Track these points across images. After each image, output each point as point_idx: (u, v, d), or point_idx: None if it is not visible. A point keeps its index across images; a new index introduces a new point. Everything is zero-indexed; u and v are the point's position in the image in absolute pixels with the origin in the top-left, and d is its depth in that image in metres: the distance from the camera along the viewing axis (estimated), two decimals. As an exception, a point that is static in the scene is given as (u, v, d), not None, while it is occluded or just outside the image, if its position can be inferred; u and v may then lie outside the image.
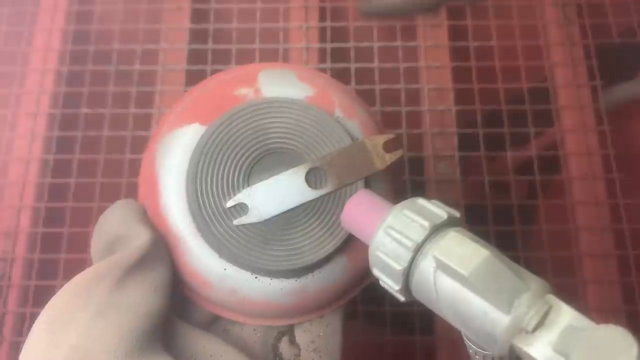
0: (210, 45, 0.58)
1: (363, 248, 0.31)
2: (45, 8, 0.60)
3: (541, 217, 0.54)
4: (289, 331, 0.32)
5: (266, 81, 0.32)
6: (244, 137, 0.29)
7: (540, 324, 0.20)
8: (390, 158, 0.30)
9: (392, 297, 0.49)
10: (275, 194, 0.29)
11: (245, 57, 0.58)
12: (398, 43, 0.58)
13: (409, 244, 0.23)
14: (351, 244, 0.30)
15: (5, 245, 0.52)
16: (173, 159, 0.30)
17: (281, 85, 0.31)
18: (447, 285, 0.22)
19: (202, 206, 0.28)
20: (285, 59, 0.58)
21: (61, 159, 0.55)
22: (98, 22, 0.61)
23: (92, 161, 0.54)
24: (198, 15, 0.61)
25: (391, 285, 0.24)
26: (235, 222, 0.28)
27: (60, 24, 0.59)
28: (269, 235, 0.29)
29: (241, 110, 0.30)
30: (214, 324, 0.31)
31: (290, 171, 0.29)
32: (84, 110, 0.56)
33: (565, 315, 0.21)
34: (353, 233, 0.27)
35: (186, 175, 0.29)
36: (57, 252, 0.52)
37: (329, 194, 0.29)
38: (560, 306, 0.21)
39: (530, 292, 0.21)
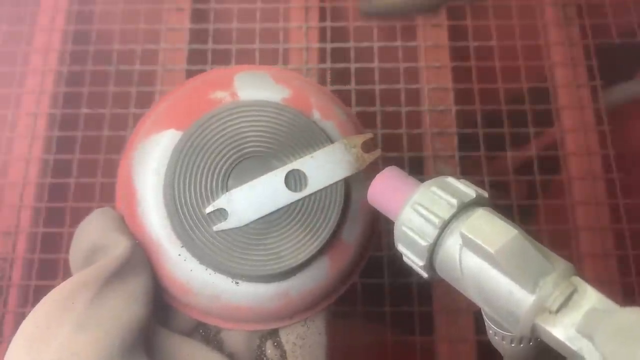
0: (210, 45, 0.58)
1: (345, 249, 0.31)
2: (45, 8, 0.60)
3: (541, 217, 0.54)
4: (273, 334, 0.32)
5: (242, 84, 0.31)
6: (221, 142, 0.29)
7: (564, 305, 0.20)
8: (368, 158, 0.30)
9: (392, 297, 0.50)
10: (254, 198, 0.28)
11: (245, 57, 0.58)
12: (398, 43, 0.58)
13: (436, 220, 0.23)
14: (333, 246, 0.30)
15: (5, 245, 0.52)
16: (150, 165, 0.29)
17: (257, 88, 0.31)
18: (473, 263, 0.22)
19: (181, 213, 0.28)
20: (285, 59, 0.58)
21: (61, 159, 0.55)
22: (98, 22, 0.61)
23: (92, 161, 0.54)
24: (198, 15, 0.61)
25: (415, 261, 0.24)
26: (215, 228, 0.28)
27: (61, 24, 0.59)
28: (249, 240, 0.28)
29: (217, 115, 0.29)
30: (197, 330, 0.31)
31: (268, 175, 0.29)
32: (84, 110, 0.56)
33: (590, 297, 0.21)
34: (379, 209, 0.27)
35: (163, 182, 0.29)
36: (57, 252, 0.52)
37: (309, 196, 0.29)
38: (585, 288, 0.21)
39: (555, 272, 0.21)
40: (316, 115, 0.31)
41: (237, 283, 0.29)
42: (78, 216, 0.53)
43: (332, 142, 0.30)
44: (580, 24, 0.60)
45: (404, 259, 0.25)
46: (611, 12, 0.59)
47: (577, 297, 0.21)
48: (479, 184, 0.56)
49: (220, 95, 0.31)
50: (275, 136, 0.30)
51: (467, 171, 0.55)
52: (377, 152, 0.30)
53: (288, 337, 0.31)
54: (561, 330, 0.20)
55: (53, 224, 0.53)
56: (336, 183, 0.29)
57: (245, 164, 0.29)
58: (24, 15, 0.60)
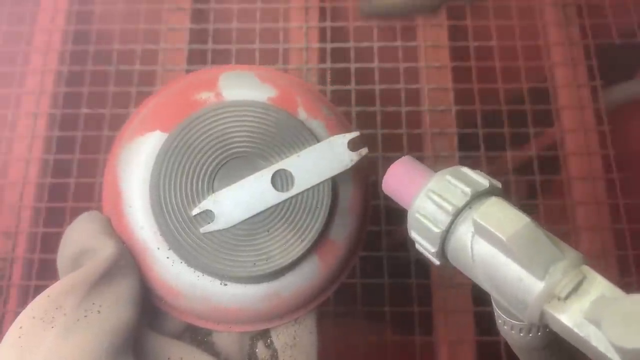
0: (210, 45, 0.58)
1: (334, 248, 0.30)
2: (45, 8, 0.60)
3: (541, 217, 0.54)
4: (264, 335, 0.31)
5: (227, 84, 0.31)
6: (207, 143, 0.29)
7: (573, 292, 0.21)
8: (355, 157, 0.29)
9: (392, 297, 0.49)
10: (241, 199, 0.28)
11: (245, 57, 0.58)
12: (398, 43, 0.58)
13: (449, 208, 0.23)
14: (322, 245, 0.30)
15: (5, 245, 0.52)
16: (135, 168, 0.29)
17: (242, 88, 0.31)
18: (484, 250, 0.22)
19: (167, 215, 0.28)
20: (285, 59, 0.58)
21: (61, 159, 0.55)
22: (98, 22, 0.61)
23: (92, 161, 0.54)
24: (198, 15, 0.61)
25: (427, 247, 0.24)
26: (202, 229, 0.28)
27: (61, 24, 0.59)
28: (237, 241, 0.28)
29: (202, 116, 0.29)
30: (187, 332, 0.31)
31: (255, 175, 0.29)
32: (84, 110, 0.56)
33: (599, 285, 0.21)
34: (393, 197, 0.27)
35: (149, 184, 0.29)
36: (57, 252, 0.52)
37: (296, 196, 0.29)
38: (595, 277, 0.21)
39: (565, 260, 0.21)
40: (302, 114, 0.31)
41: (226, 285, 0.29)
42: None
43: (318, 141, 0.30)
44: (580, 24, 0.60)
45: (416, 246, 0.25)
46: (611, 12, 0.59)
47: (586, 285, 0.21)
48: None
49: (205, 95, 0.30)
50: (262, 136, 0.29)
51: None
52: (364, 151, 0.29)
53: (279, 337, 0.31)
54: (569, 317, 0.20)
55: (53, 224, 0.53)
56: (323, 182, 0.29)
57: (231, 164, 0.29)
58: (24, 15, 0.60)
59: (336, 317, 0.50)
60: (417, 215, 0.24)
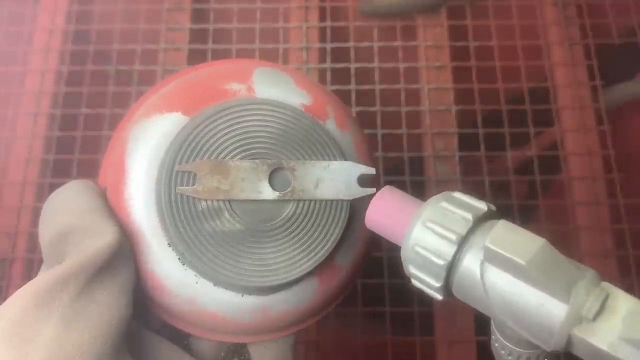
0: (210, 45, 0.58)
1: (337, 273, 0.29)
2: (45, 8, 0.60)
3: (541, 217, 0.54)
4: (241, 348, 0.30)
5: (261, 80, 0.29)
6: (230, 137, 0.27)
7: (600, 312, 0.19)
8: (358, 192, 0.28)
9: (392, 297, 0.49)
10: (233, 177, 0.27)
11: (245, 57, 0.58)
12: (398, 43, 0.58)
13: (453, 236, 0.22)
14: (326, 268, 0.28)
15: (5, 245, 0.52)
16: (147, 145, 0.27)
17: (277, 88, 0.29)
18: (497, 278, 0.21)
19: (173, 204, 0.26)
20: (285, 59, 0.58)
21: (61, 159, 0.55)
22: (98, 22, 0.61)
23: (92, 161, 0.54)
24: (198, 15, 0.61)
25: (430, 283, 0.23)
26: (179, 189, 0.26)
27: (60, 24, 0.59)
28: (241, 247, 0.27)
29: (230, 107, 0.27)
30: (163, 332, 0.29)
31: (256, 162, 0.27)
32: (84, 110, 0.56)
33: (624, 301, 0.20)
34: (379, 232, 0.25)
35: (159, 168, 0.27)
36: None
37: (310, 212, 0.28)
38: (617, 293, 0.20)
39: (586, 279, 0.20)
40: (332, 126, 0.30)
41: (217, 289, 0.27)
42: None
43: (344, 158, 0.29)
44: (580, 24, 0.60)
45: (414, 282, 0.24)
46: (611, 12, 0.59)
47: (612, 302, 0.20)
48: (479, 184, 0.56)
49: (236, 87, 0.29)
50: (288, 141, 0.28)
51: (467, 171, 0.55)
52: (369, 191, 0.28)
53: (256, 353, 0.30)
54: (602, 339, 0.19)
55: (53, 224, 0.53)
56: (341, 204, 0.28)
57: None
58: (24, 15, 0.60)
59: (336, 317, 0.50)
60: (417, 248, 0.23)
